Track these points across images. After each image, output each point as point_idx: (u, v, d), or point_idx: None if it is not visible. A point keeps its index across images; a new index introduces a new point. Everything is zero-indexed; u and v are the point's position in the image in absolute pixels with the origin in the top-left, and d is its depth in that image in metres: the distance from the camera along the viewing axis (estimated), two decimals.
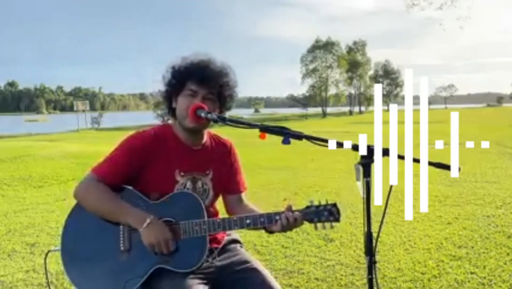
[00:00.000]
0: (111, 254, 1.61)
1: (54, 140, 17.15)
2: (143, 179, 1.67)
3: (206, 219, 1.62)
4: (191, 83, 1.65)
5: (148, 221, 1.56)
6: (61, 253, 1.66)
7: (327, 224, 1.61)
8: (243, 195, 1.89)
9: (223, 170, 1.82)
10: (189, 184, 1.72)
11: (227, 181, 1.84)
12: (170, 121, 1.80)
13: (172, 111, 1.75)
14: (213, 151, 1.80)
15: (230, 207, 1.87)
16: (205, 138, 1.79)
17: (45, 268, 2.30)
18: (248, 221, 1.61)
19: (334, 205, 1.63)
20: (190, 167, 1.72)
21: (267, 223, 1.61)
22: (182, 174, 1.70)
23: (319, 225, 1.61)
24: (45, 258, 1.98)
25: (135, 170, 1.66)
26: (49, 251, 2.00)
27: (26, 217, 4.89)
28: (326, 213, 1.61)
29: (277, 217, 1.60)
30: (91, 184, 1.64)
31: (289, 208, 1.62)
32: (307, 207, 1.63)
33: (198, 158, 1.75)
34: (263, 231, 1.69)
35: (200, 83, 1.65)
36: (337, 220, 1.62)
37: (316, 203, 1.63)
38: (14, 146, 11.65)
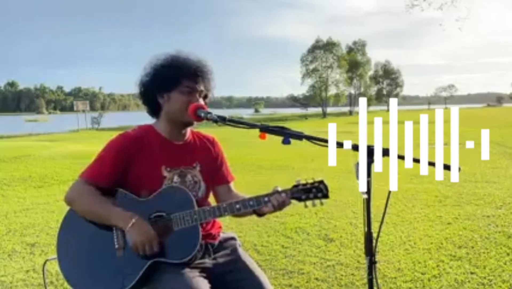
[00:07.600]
0: (107, 251, 1.62)
1: (54, 140, 17.16)
2: (131, 179, 1.70)
3: (196, 209, 1.63)
4: (187, 80, 1.69)
5: (133, 221, 1.56)
6: (57, 252, 1.67)
7: (317, 201, 1.61)
8: (231, 185, 1.93)
9: (209, 161, 1.86)
10: (176, 178, 1.74)
11: (215, 172, 1.88)
12: (149, 123, 1.82)
13: (157, 107, 1.75)
14: (196, 145, 1.85)
15: (220, 198, 1.90)
16: (188, 134, 1.83)
17: (44, 277, 2.30)
18: (238, 206, 1.63)
19: (321, 181, 1.63)
20: (176, 162, 1.75)
21: (256, 206, 1.63)
22: (168, 169, 1.73)
23: (308, 203, 1.61)
24: (44, 267, 1.97)
25: (122, 169, 1.68)
26: (46, 260, 2.00)
27: (26, 217, 4.89)
28: (314, 190, 1.61)
29: (266, 199, 1.62)
30: (80, 188, 1.67)
31: (277, 189, 1.64)
32: (295, 186, 1.64)
33: (183, 152, 1.78)
34: (254, 216, 1.72)
35: (196, 79, 1.71)
36: (325, 196, 1.62)
37: (303, 181, 1.64)
38: (14, 146, 11.67)
